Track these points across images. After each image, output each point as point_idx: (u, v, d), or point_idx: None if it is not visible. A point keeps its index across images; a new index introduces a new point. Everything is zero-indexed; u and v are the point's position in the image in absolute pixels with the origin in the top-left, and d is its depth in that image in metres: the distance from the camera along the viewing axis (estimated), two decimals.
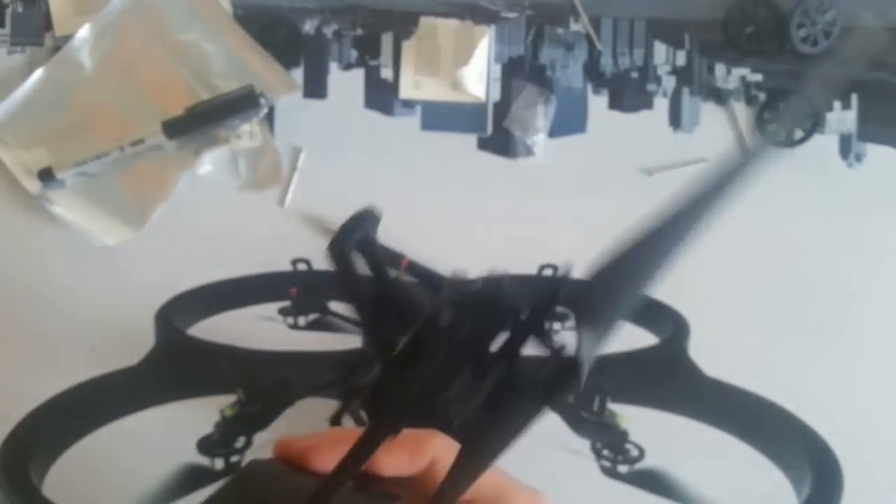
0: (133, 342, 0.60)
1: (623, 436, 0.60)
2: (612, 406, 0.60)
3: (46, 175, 0.60)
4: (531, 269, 0.62)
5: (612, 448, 0.60)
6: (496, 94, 0.63)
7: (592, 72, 0.63)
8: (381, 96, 0.63)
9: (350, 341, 0.61)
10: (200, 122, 0.60)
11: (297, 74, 0.63)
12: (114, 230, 0.61)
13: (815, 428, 0.60)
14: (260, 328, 0.61)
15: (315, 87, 0.63)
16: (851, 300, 0.62)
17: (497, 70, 0.63)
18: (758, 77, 0.63)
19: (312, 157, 0.63)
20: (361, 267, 0.48)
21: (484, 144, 0.63)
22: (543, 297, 0.30)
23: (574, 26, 0.63)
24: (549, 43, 0.63)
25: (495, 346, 0.30)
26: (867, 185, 0.62)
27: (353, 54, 0.63)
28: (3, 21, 0.63)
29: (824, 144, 0.62)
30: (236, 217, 0.62)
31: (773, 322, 0.61)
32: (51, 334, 0.61)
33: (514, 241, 0.62)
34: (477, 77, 0.62)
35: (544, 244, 0.62)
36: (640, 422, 0.60)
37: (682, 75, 0.63)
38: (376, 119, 0.63)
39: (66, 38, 0.62)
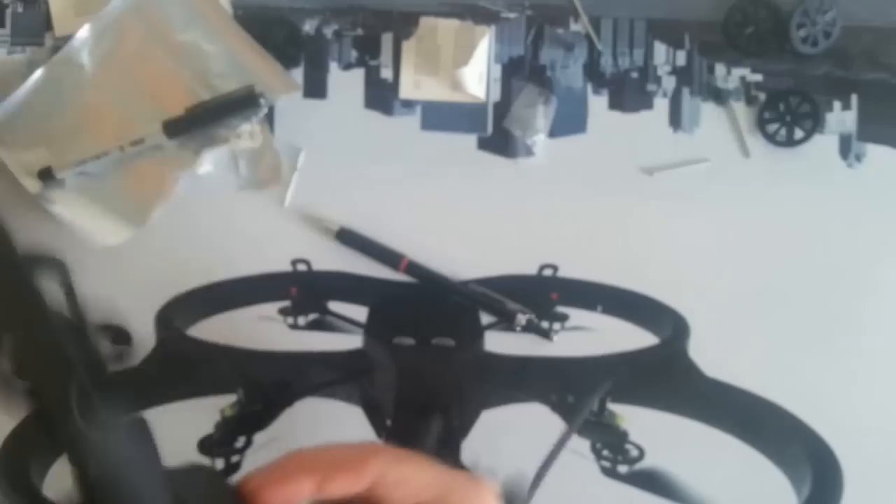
0: (133, 342, 0.60)
1: (623, 436, 0.60)
2: (612, 406, 0.60)
3: (46, 175, 0.60)
4: (531, 270, 0.62)
5: (612, 448, 0.60)
6: (496, 95, 0.63)
7: (592, 72, 0.63)
8: (381, 96, 0.63)
9: (350, 341, 0.61)
10: (200, 122, 0.60)
11: (297, 74, 0.63)
12: (114, 230, 0.61)
13: (815, 428, 0.60)
14: (260, 328, 0.61)
15: (315, 87, 0.63)
16: (851, 300, 0.61)
17: (497, 70, 0.63)
18: (758, 77, 0.63)
19: (312, 157, 0.63)
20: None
21: (484, 144, 0.63)
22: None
23: (574, 26, 0.63)
24: (549, 43, 0.63)
25: None
26: (867, 185, 0.62)
27: (353, 54, 0.63)
28: (3, 21, 0.63)
29: (824, 144, 0.62)
30: (236, 217, 0.62)
31: (773, 322, 0.61)
32: None
33: (514, 241, 0.62)
34: (477, 77, 0.62)
35: (544, 244, 0.62)
36: (640, 422, 0.60)
37: (682, 75, 0.63)
38: (376, 119, 0.63)
39: (66, 38, 0.62)
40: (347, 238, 0.61)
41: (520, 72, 0.63)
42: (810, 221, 0.62)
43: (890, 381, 0.61)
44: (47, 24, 0.63)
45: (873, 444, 0.60)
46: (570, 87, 0.63)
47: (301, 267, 0.62)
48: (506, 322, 0.61)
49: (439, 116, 0.63)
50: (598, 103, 0.63)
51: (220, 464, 0.60)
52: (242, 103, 0.60)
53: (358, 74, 0.63)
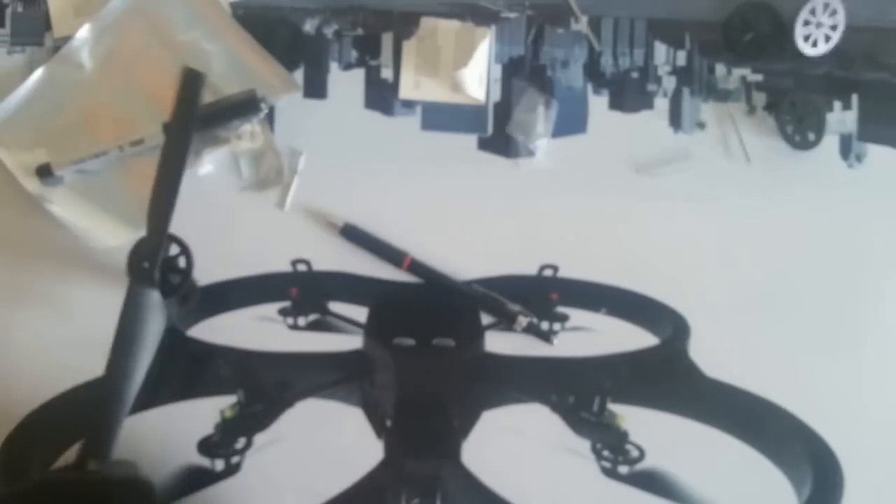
0: None
1: (623, 436, 0.60)
2: (612, 406, 0.60)
3: (45, 171, 0.60)
4: (531, 270, 0.62)
5: (613, 449, 0.60)
6: (497, 95, 0.63)
7: (593, 72, 0.63)
8: (382, 96, 0.63)
9: (350, 342, 0.61)
10: (201, 123, 0.60)
11: (298, 75, 0.63)
12: (114, 230, 0.61)
13: (815, 428, 0.60)
14: (260, 328, 0.61)
15: (315, 88, 0.63)
16: (851, 300, 0.62)
17: (497, 70, 0.63)
18: (758, 77, 0.63)
19: (313, 157, 0.63)
20: None
21: (484, 145, 0.63)
22: None
23: (574, 26, 0.63)
24: (549, 43, 0.63)
25: None
26: (867, 185, 0.62)
27: (354, 54, 0.63)
28: (3, 21, 0.63)
29: (824, 144, 0.62)
30: (237, 217, 0.62)
31: (773, 322, 0.61)
32: (51, 334, 0.61)
33: (514, 241, 0.62)
34: (477, 79, 0.62)
35: (544, 244, 0.62)
36: (640, 422, 0.60)
37: (683, 75, 0.63)
38: (376, 119, 0.63)
39: (66, 38, 0.62)
40: (352, 234, 0.61)
41: (520, 71, 0.63)
42: (810, 221, 0.62)
43: (890, 381, 0.61)
44: (47, 24, 0.63)
45: (873, 445, 0.60)
46: (570, 87, 0.63)
47: (301, 267, 0.62)
48: (506, 323, 0.61)
49: (439, 117, 0.63)
50: (598, 103, 0.63)
51: (220, 465, 0.60)
52: (244, 107, 0.60)
53: (358, 74, 0.63)
